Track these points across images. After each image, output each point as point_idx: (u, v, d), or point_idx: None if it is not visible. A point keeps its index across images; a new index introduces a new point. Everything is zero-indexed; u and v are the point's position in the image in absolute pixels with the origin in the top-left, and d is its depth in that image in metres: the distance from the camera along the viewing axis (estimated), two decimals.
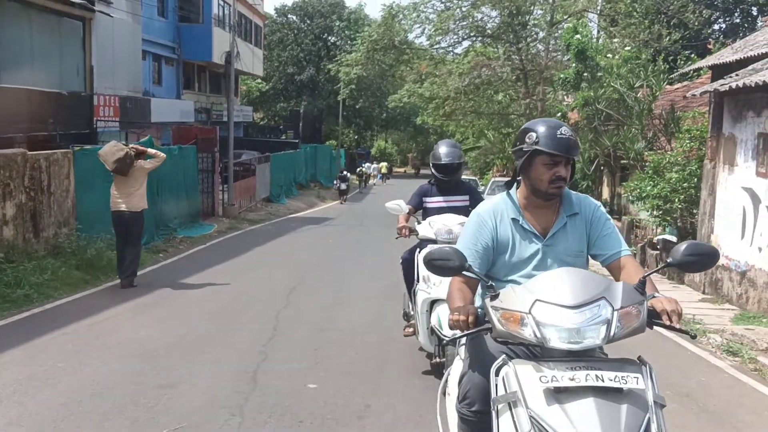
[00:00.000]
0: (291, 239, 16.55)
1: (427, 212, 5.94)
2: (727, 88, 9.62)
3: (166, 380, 5.29)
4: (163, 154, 9.97)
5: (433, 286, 5.03)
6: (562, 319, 2.30)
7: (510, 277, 2.83)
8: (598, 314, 2.30)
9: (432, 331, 5.13)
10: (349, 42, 51.45)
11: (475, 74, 26.62)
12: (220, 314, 7.82)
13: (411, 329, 5.84)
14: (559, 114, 18.88)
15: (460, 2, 27.01)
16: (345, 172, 33.86)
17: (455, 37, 27.77)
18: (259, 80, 51.19)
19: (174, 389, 5.09)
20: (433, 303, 5.07)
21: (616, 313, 2.31)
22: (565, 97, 22.50)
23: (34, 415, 4.57)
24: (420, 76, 27.50)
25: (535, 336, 2.31)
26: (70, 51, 17.21)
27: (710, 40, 24.95)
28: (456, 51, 29.33)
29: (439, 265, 2.64)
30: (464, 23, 27.21)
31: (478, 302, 2.84)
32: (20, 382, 5.24)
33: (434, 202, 5.94)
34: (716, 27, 30.05)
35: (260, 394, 4.96)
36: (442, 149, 5.91)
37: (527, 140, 2.76)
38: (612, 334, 2.30)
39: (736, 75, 9.95)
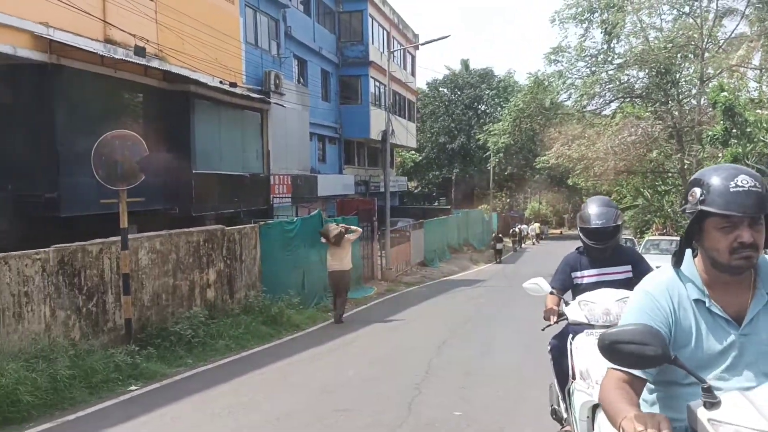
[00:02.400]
0: (444, 299, 17.70)
1: (578, 290, 4.78)
2: None
3: (341, 407, 6.62)
4: (359, 229, 13.98)
5: (595, 385, 3.84)
6: None
7: (692, 380, 2.04)
8: None
9: None
10: (499, 109, 52.83)
11: (625, 134, 26.78)
12: (381, 360, 9.13)
13: None
14: None
15: (606, 66, 27.56)
16: (499, 234, 34.97)
17: (602, 99, 28.22)
18: (413, 152, 53.69)
19: (347, 414, 6.39)
20: (597, 408, 3.78)
21: None
22: (719, 153, 22.18)
23: (243, 429, 6.02)
24: (567, 139, 28.12)
25: None
26: (251, 138, 19.89)
27: None
28: (604, 112, 29.71)
29: (629, 352, 1.95)
30: (611, 86, 27.66)
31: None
32: (231, 407, 6.78)
33: (586, 276, 4.80)
34: None
35: (414, 418, 6.13)
36: (593, 209, 4.71)
37: (691, 198, 2.14)
38: None
39: None
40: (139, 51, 12.62)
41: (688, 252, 2.24)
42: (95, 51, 11.93)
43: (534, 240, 50.60)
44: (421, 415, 6.25)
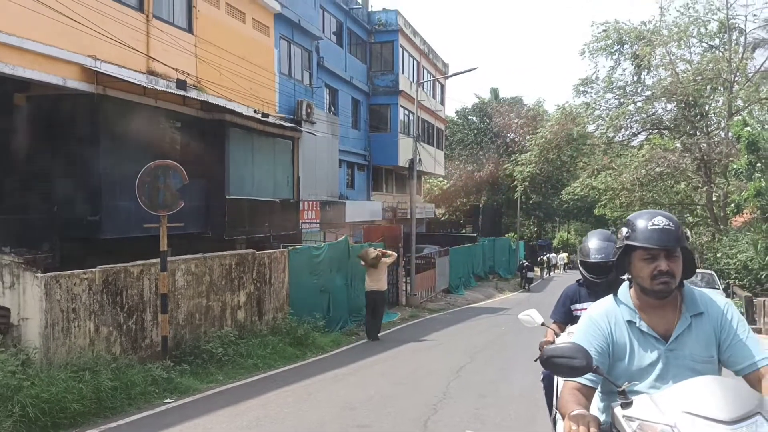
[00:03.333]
0: (466, 326, 18.04)
1: (576, 322, 4.50)
2: None
3: (361, 423, 7.07)
4: (395, 254, 15.20)
5: None
6: None
7: (630, 389, 2.48)
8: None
9: None
10: (528, 137, 53.18)
11: (652, 166, 26.90)
12: (401, 381, 9.56)
13: None
14: (732, 204, 18.94)
15: (634, 98, 27.83)
16: (527, 263, 35.35)
17: (629, 131, 28.46)
18: (440, 179, 54.12)
19: (367, 429, 6.84)
20: None
21: None
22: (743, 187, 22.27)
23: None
24: (594, 170, 28.36)
25: None
26: (282, 165, 20.55)
27: None
28: (632, 144, 29.88)
29: (560, 364, 2.39)
30: (637, 118, 27.90)
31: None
32: (259, 420, 7.27)
33: (584, 309, 4.56)
34: None
35: None
36: (593, 243, 4.81)
37: (619, 235, 2.62)
38: None
39: None
40: (181, 84, 13.38)
41: (626, 283, 2.70)
42: (138, 83, 12.68)
43: (563, 269, 50.66)
44: (435, 431, 6.67)
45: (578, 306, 4.95)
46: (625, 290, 2.69)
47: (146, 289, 9.30)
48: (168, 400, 8.07)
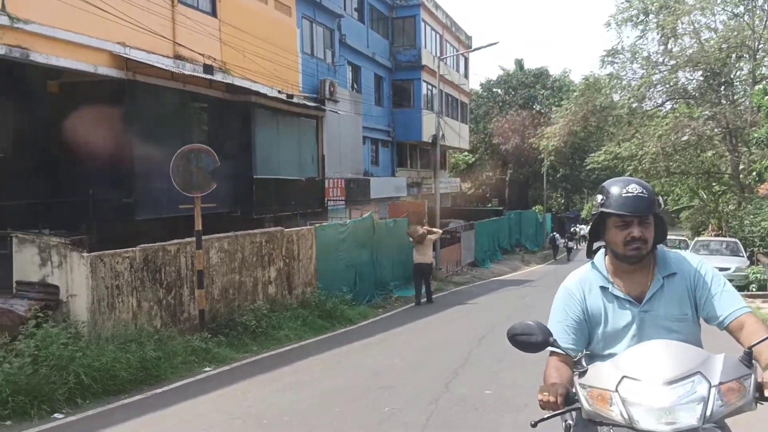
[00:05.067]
0: (490, 298, 18.44)
1: None
2: None
3: (386, 385, 7.57)
4: (440, 230, 17.07)
5: None
6: (651, 397, 2.12)
7: (608, 351, 2.67)
8: (692, 391, 2.12)
9: None
10: (554, 108, 52.82)
11: (678, 135, 26.81)
12: (425, 350, 10.05)
13: None
14: (754, 173, 18.96)
15: (659, 67, 27.63)
16: (555, 234, 36.40)
17: (652, 102, 28.35)
18: (466, 153, 54.10)
19: (390, 390, 7.33)
20: None
21: (714, 389, 2.12)
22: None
23: (304, 399, 7.04)
24: (619, 141, 28.34)
25: (623, 416, 2.16)
26: (307, 144, 20.98)
27: None
28: (657, 114, 29.72)
29: (521, 341, 2.54)
30: (661, 88, 27.75)
31: None
32: (292, 384, 7.81)
33: None
34: None
35: (449, 395, 7.03)
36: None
37: (594, 203, 2.67)
38: (709, 413, 2.09)
39: None
40: (207, 69, 13.85)
41: (602, 250, 2.80)
42: (166, 67, 13.16)
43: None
44: (455, 392, 7.13)
45: None
46: (600, 258, 2.78)
47: (183, 266, 9.86)
48: (207, 369, 8.64)
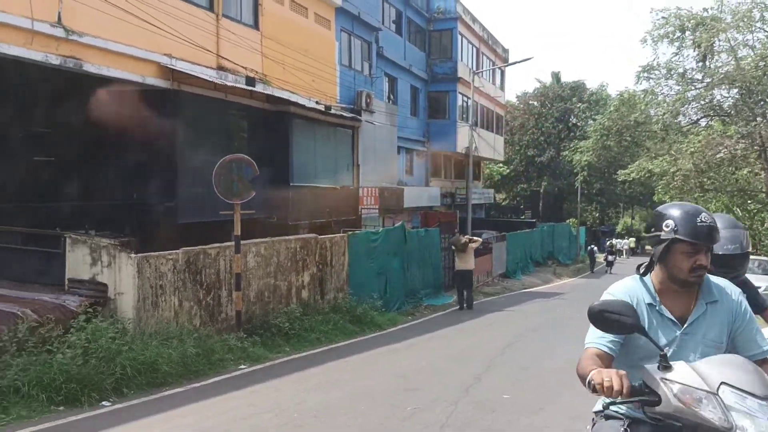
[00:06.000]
0: (519, 309, 18.68)
1: None
2: None
3: (411, 387, 7.99)
4: (480, 239, 18.40)
5: None
6: (757, 409, 2.24)
7: (641, 363, 2.68)
8: None
9: None
10: (590, 122, 52.63)
11: (711, 152, 26.67)
12: (450, 356, 10.42)
13: None
14: None
15: (695, 84, 27.52)
16: (593, 247, 38.28)
17: (686, 118, 28.25)
18: (500, 164, 54.16)
19: (415, 392, 7.73)
20: None
21: None
22: None
23: (332, 398, 7.48)
24: (651, 157, 28.29)
25: (723, 420, 2.25)
26: (342, 153, 21.45)
27: None
28: (692, 131, 29.58)
29: (608, 319, 2.52)
30: (696, 105, 27.66)
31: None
32: (321, 384, 8.25)
33: None
34: None
35: (469, 398, 7.41)
36: (722, 232, 3.45)
37: (665, 228, 2.71)
38: None
39: None
40: (249, 81, 14.44)
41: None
42: (210, 78, 13.76)
43: (626, 254, 50.60)
44: (475, 396, 7.50)
45: None
46: (647, 275, 2.87)
47: (222, 268, 10.39)
48: (242, 366, 9.14)
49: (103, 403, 7.13)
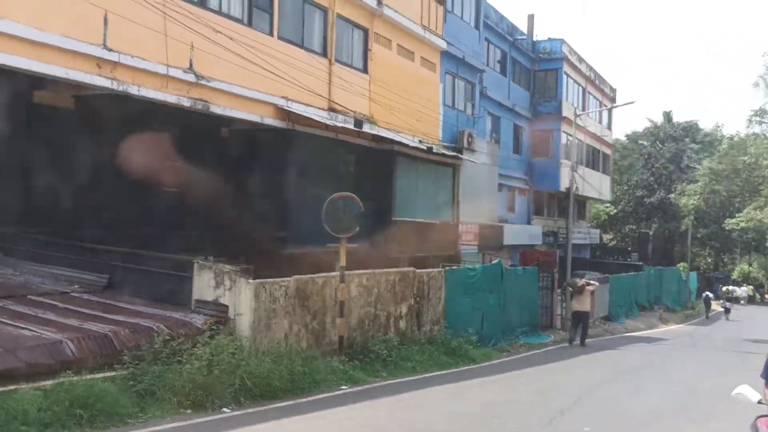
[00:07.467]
0: (616, 352, 18.55)
1: None
2: None
3: (497, 415, 8.49)
4: (596, 283, 19.76)
5: None
6: None
7: None
8: None
9: None
10: (698, 165, 50.76)
11: None
12: (539, 391, 10.88)
13: None
14: None
15: None
16: (708, 293, 37.17)
17: None
18: (607, 204, 53.05)
19: (500, 419, 8.26)
20: None
21: None
22: None
23: (422, 419, 8.11)
24: (762, 204, 27.31)
25: None
26: (443, 190, 22.05)
27: None
28: None
29: None
30: None
31: None
32: (413, 406, 9.00)
33: None
34: None
35: (551, 429, 7.82)
36: None
37: None
38: None
39: None
40: (357, 123, 15.53)
41: None
42: (321, 119, 14.88)
43: (745, 302, 48.03)
44: (556, 427, 7.92)
45: None
46: None
47: (327, 296, 11.32)
48: (343, 387, 9.98)
49: (224, 409, 8.13)
